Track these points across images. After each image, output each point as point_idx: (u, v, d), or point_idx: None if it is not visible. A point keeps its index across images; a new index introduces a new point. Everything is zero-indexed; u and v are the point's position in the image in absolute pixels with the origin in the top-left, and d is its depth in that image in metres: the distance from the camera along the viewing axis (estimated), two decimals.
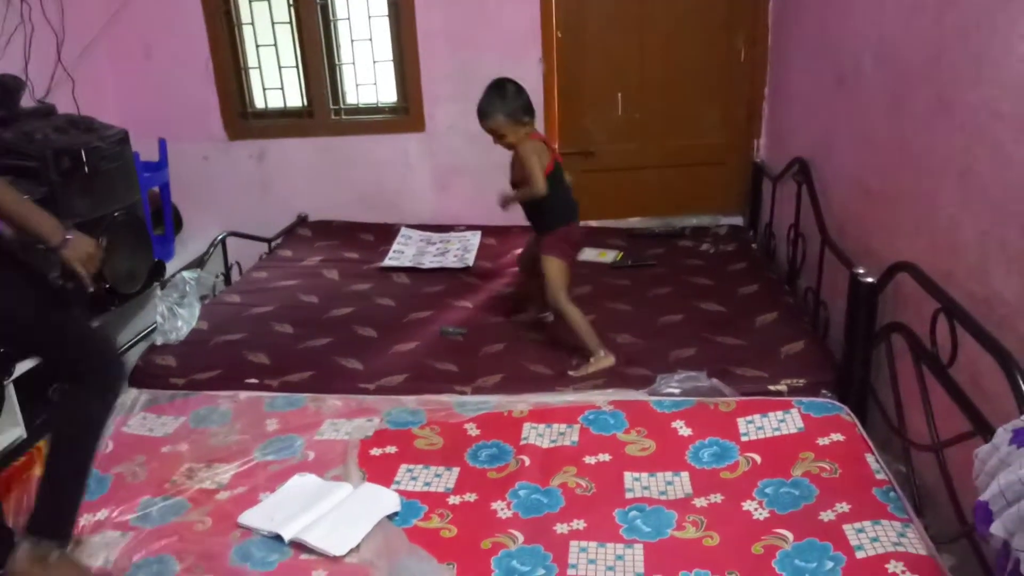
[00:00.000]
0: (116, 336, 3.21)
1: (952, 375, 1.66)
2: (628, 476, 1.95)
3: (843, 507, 1.75)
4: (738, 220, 3.89)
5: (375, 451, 2.08)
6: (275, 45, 3.91)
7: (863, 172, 2.38)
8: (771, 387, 2.31)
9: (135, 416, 2.28)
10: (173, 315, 2.78)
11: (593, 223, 3.93)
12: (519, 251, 3.61)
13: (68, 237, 1.72)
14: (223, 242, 3.46)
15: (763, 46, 3.61)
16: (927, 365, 1.78)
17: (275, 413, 2.27)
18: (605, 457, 2.03)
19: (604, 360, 2.49)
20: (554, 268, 2.56)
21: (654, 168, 3.90)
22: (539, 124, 3.78)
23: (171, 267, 3.63)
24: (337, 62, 3.93)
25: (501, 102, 2.49)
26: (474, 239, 3.74)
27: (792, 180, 3.00)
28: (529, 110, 2.52)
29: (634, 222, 3.93)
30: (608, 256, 3.53)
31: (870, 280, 2.09)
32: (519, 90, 2.52)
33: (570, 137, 3.84)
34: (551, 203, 2.56)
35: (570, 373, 2.47)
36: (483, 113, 2.51)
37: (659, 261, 3.42)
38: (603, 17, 3.68)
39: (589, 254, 3.56)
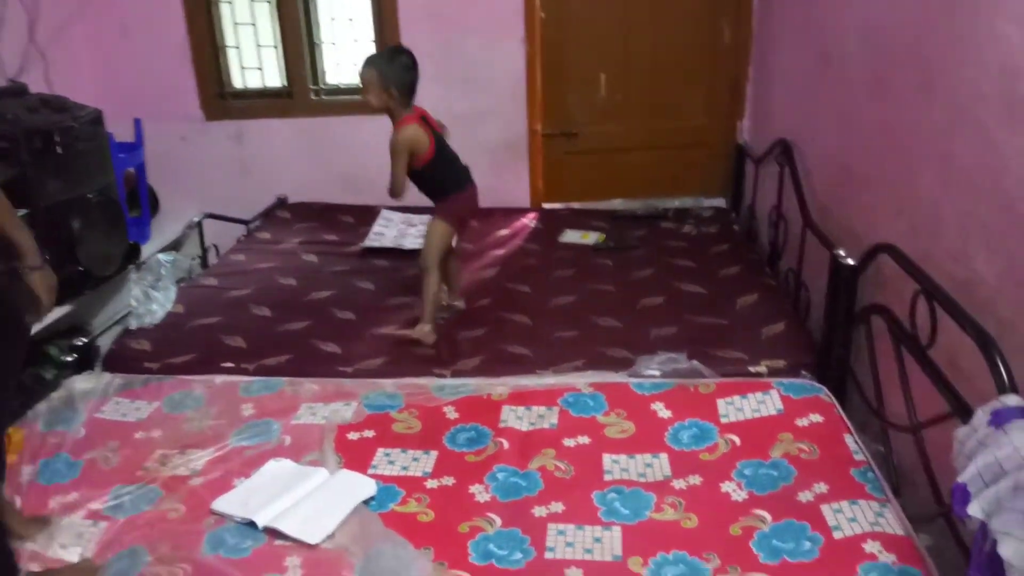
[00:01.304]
0: (91, 320, 3.17)
1: (931, 356, 1.65)
2: (607, 458, 1.94)
3: (821, 487, 1.75)
4: (721, 202, 3.87)
5: (352, 435, 2.06)
6: (253, 23, 3.84)
7: (845, 154, 2.36)
8: (751, 368, 2.30)
9: (108, 401, 2.24)
10: (148, 298, 2.74)
11: (576, 205, 3.92)
12: (503, 232, 3.60)
13: (47, 258, 1.70)
14: (200, 224, 3.41)
15: (747, 27, 3.58)
16: (906, 347, 1.77)
17: (251, 398, 2.24)
18: (584, 440, 2.01)
19: (427, 336, 2.52)
20: (439, 229, 2.61)
21: (637, 150, 3.87)
22: (522, 104, 3.79)
23: (147, 250, 3.57)
24: (317, 41, 3.87)
25: (385, 63, 2.51)
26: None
27: (775, 162, 2.98)
28: (406, 90, 2.53)
29: (617, 204, 3.90)
30: (590, 238, 3.50)
31: (851, 262, 2.08)
32: (409, 67, 2.54)
33: (553, 118, 3.81)
34: (440, 176, 2.62)
35: (389, 331, 2.54)
36: (366, 61, 2.52)
37: (641, 243, 3.40)
38: None
39: (571, 236, 3.54)
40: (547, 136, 3.83)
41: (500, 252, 3.38)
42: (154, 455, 2.00)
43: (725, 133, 3.81)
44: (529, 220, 3.75)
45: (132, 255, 3.30)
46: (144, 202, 3.72)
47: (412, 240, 3.48)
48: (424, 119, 2.61)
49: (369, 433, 2.07)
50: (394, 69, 2.49)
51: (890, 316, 1.85)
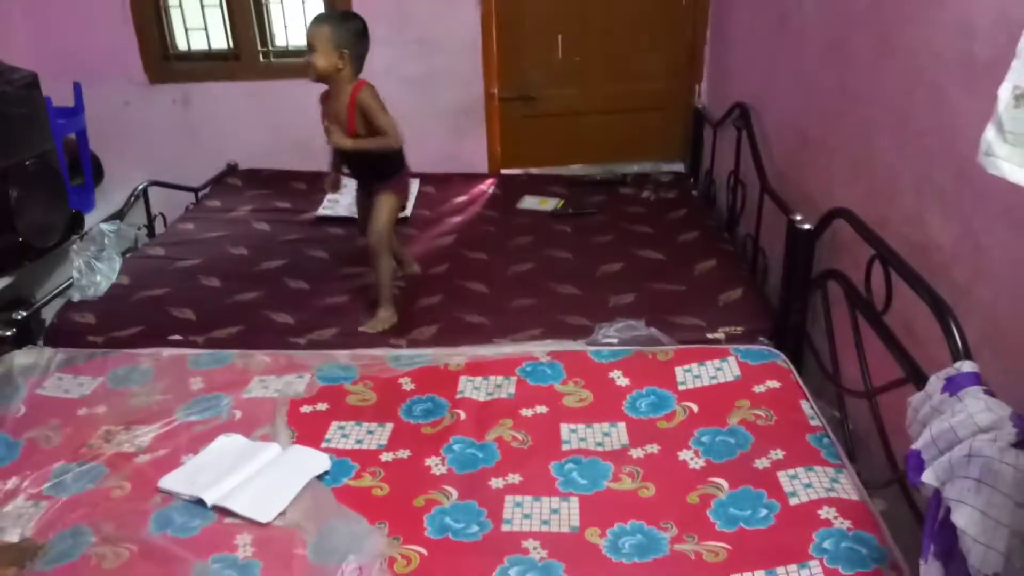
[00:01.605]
0: (33, 292, 3.05)
1: (886, 322, 1.65)
2: (564, 428, 1.92)
3: (777, 454, 1.75)
4: (680, 167, 3.85)
5: (305, 408, 2.01)
6: None
7: (802, 118, 2.34)
8: (709, 335, 2.30)
9: (50, 377, 2.16)
10: (91, 270, 2.64)
11: (534, 170, 3.87)
12: (460, 199, 3.53)
13: None
14: (145, 192, 3.29)
15: None
16: (862, 312, 1.77)
17: (200, 371, 2.18)
18: (542, 409, 1.99)
19: (390, 319, 2.46)
20: (392, 204, 2.52)
21: (595, 114, 3.82)
22: (477, 66, 3.70)
23: (92, 219, 3.44)
24: (264, 1, 3.73)
25: (338, 23, 2.36)
26: (412, 187, 3.63)
27: (732, 126, 2.96)
28: (358, 55, 2.40)
29: (575, 169, 3.86)
30: (549, 204, 3.46)
31: (807, 227, 2.07)
32: (363, 33, 2.42)
33: (509, 82, 3.74)
34: (398, 152, 2.51)
35: (361, 329, 2.42)
36: (316, 19, 2.37)
37: (600, 209, 3.37)
38: None
39: (529, 202, 3.49)
40: (504, 100, 3.76)
41: (457, 219, 3.33)
42: (98, 432, 1.93)
43: (683, 97, 3.77)
44: (487, 186, 3.69)
45: (75, 225, 3.18)
46: (87, 169, 3.58)
47: None
48: None
49: (323, 406, 2.02)
50: (348, 31, 2.35)
51: (846, 281, 1.85)
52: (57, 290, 2.61)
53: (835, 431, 1.87)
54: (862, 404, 1.80)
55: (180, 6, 3.73)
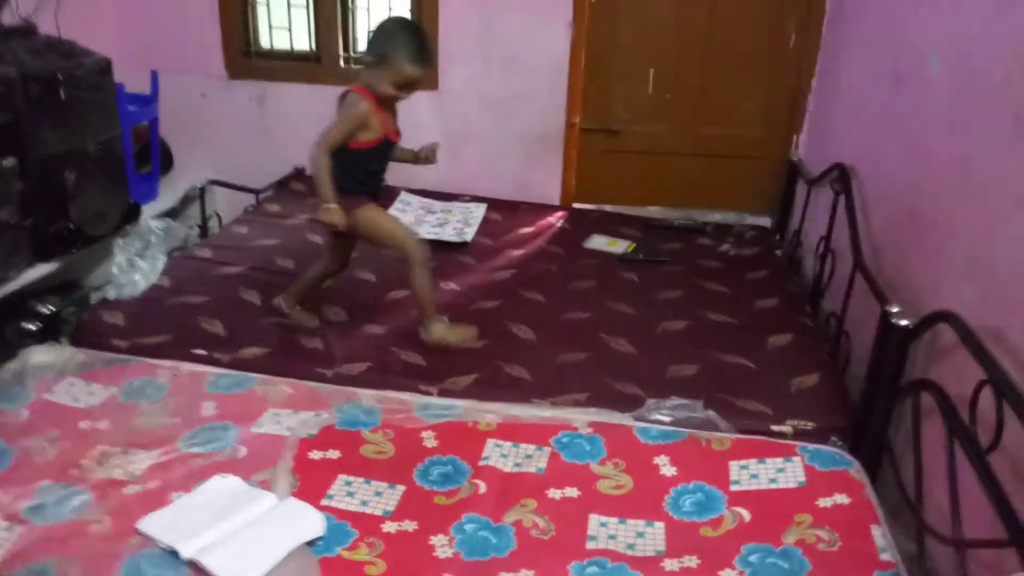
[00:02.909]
0: (80, 281, 2.99)
1: (991, 463, 1.37)
2: (594, 520, 1.69)
3: None
4: (766, 221, 3.57)
5: (315, 454, 1.84)
6: None
7: (912, 191, 2.06)
8: (774, 427, 2.03)
9: (63, 381, 2.05)
10: (132, 267, 2.55)
11: (607, 208, 3.66)
12: (526, 230, 3.34)
13: None
14: (202, 191, 3.20)
15: (816, 33, 3.25)
16: (960, 443, 1.49)
17: (216, 394, 2.03)
18: (572, 492, 1.77)
19: (450, 333, 2.34)
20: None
21: (680, 155, 3.58)
22: (561, 93, 3.51)
23: (153, 208, 3.39)
24: (351, 6, 3.63)
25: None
26: (478, 212, 3.47)
27: (830, 187, 2.67)
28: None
29: (652, 211, 3.62)
30: (619, 246, 3.24)
31: (905, 323, 1.79)
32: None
33: (593, 112, 3.53)
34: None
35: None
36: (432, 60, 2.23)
37: (673, 258, 3.12)
38: None
39: (598, 241, 3.28)
40: (585, 131, 3.55)
41: (519, 252, 3.14)
42: (94, 451, 1.80)
43: (778, 147, 3.49)
44: (556, 219, 3.49)
45: (131, 215, 3.11)
46: (155, 158, 3.53)
47: (428, 228, 3.24)
48: None
49: (334, 454, 1.84)
50: None
51: (944, 400, 1.57)
52: (94, 286, 2.53)
53: (910, 570, 1.58)
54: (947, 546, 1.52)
55: (267, 3, 3.66)
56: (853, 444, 1.97)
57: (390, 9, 3.58)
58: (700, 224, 3.48)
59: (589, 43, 3.41)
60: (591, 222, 3.47)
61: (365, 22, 3.65)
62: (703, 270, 3.02)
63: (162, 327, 2.33)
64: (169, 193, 3.58)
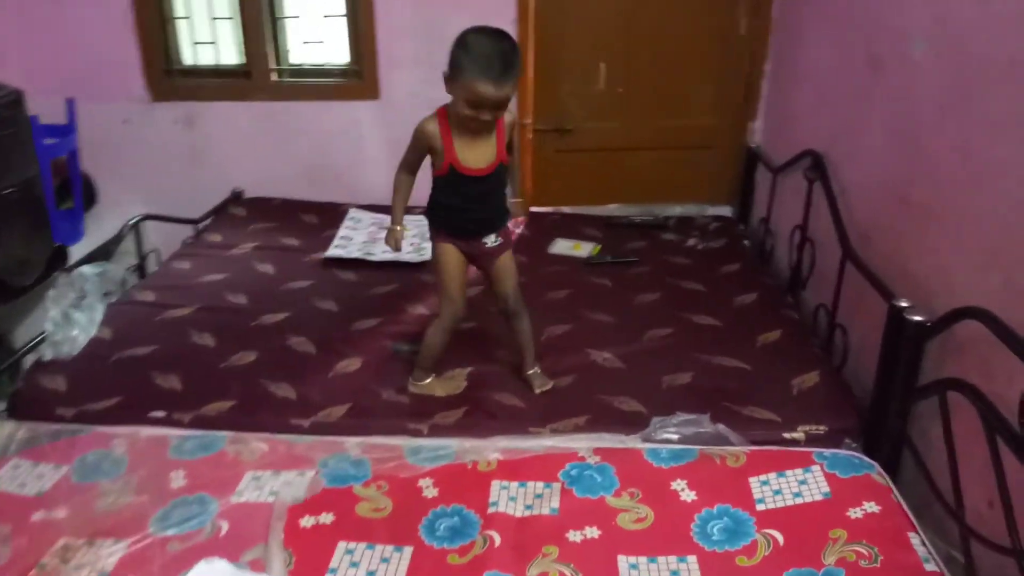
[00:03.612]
0: (7, 340, 2.73)
1: None
2: (623, 562, 1.57)
3: None
4: (726, 211, 3.50)
5: (307, 521, 1.66)
6: None
7: (903, 178, 1.99)
8: (786, 435, 1.94)
9: (5, 463, 1.82)
10: (68, 321, 2.30)
11: (566, 209, 3.54)
12: None
13: None
14: (136, 227, 2.94)
15: (766, 17, 3.19)
16: (1008, 446, 1.41)
17: (183, 461, 1.83)
18: (593, 532, 1.64)
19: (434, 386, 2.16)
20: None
21: (636, 150, 3.48)
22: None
23: (80, 249, 3.13)
24: (280, 15, 3.41)
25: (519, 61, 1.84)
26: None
27: (802, 176, 2.61)
28: None
29: (611, 209, 3.52)
30: (583, 249, 3.12)
31: (919, 319, 1.71)
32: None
33: (545, 112, 3.39)
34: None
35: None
36: (511, 74, 1.79)
37: (641, 257, 3.03)
38: None
39: (562, 246, 3.16)
40: (538, 131, 3.42)
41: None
42: (55, 546, 1.58)
43: (734, 135, 3.43)
44: (515, 225, 3.35)
45: (57, 260, 2.86)
46: (77, 194, 3.26)
47: (382, 249, 3.06)
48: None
49: (327, 518, 1.67)
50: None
51: (981, 399, 1.49)
52: (33, 342, 2.28)
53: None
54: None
55: (188, 17, 3.41)
56: (866, 444, 1.90)
57: (324, 17, 3.37)
58: (662, 219, 3.39)
59: (536, 40, 3.26)
60: (551, 225, 3.35)
61: (298, 32, 3.43)
62: (674, 268, 2.93)
63: (111, 388, 2.10)
64: (95, 231, 3.31)
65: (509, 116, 1.98)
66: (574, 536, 1.63)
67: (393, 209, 2.06)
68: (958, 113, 1.73)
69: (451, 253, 2.07)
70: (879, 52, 2.12)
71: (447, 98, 1.91)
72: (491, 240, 2.07)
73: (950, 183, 1.76)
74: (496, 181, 2.01)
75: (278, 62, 3.46)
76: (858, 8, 2.29)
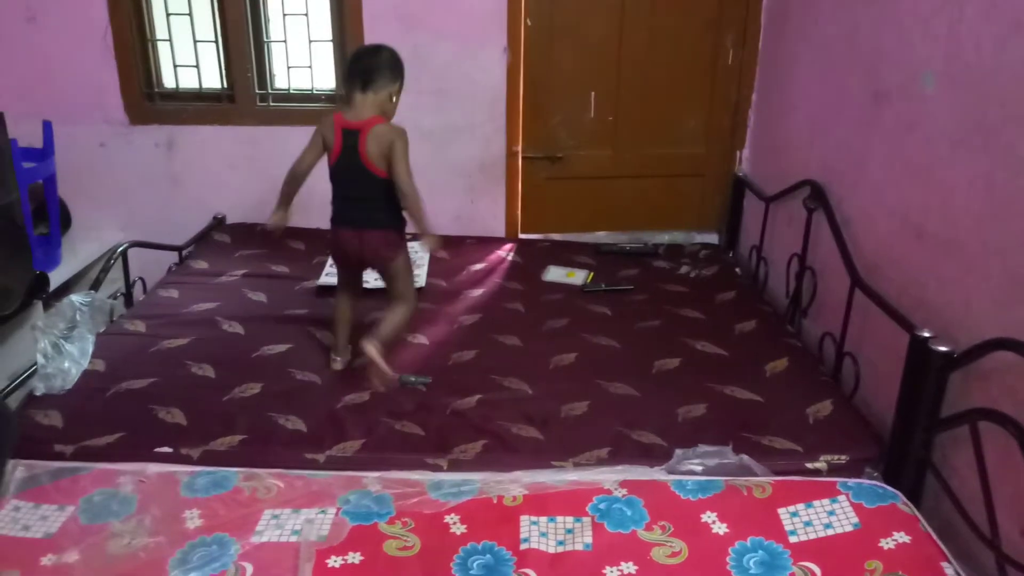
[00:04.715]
0: None
1: None
2: None
3: None
4: (712, 238, 3.55)
5: (334, 561, 1.60)
6: (190, 14, 3.30)
7: (914, 208, 2.02)
8: (808, 464, 1.95)
9: (5, 505, 1.72)
10: (59, 353, 2.20)
11: (555, 236, 3.54)
12: (478, 267, 3.18)
13: None
14: (124, 255, 2.84)
15: (753, 48, 3.25)
16: None
17: (196, 499, 1.75)
18: (630, 568, 1.61)
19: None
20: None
21: (625, 178, 3.50)
22: (500, 121, 3.36)
23: (57, 276, 3.01)
24: (265, 39, 3.36)
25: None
26: (423, 251, 3.26)
27: (800, 203, 2.64)
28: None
29: (601, 236, 3.53)
30: (577, 277, 3.12)
31: (945, 349, 1.73)
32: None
33: (535, 139, 3.40)
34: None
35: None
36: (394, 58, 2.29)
37: (636, 284, 3.03)
38: (579, 5, 3.25)
39: (556, 273, 3.15)
40: (528, 159, 3.42)
41: (478, 292, 2.96)
42: None
43: (721, 163, 3.47)
44: (506, 252, 3.34)
45: (38, 288, 2.73)
46: (54, 220, 3.14)
47: (374, 275, 3.00)
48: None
49: (355, 558, 1.61)
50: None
51: (1018, 428, 1.51)
52: (19, 378, 2.17)
53: None
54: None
55: (170, 39, 3.33)
56: (886, 473, 1.91)
57: (309, 41, 3.33)
58: (652, 247, 3.42)
59: (527, 68, 3.28)
60: (542, 252, 3.35)
61: (283, 56, 3.37)
62: (670, 296, 2.94)
63: (111, 423, 2.01)
64: (70, 258, 3.20)
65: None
66: (611, 573, 1.59)
67: (428, 218, 2.26)
68: (974, 146, 1.77)
69: None
70: (883, 85, 2.17)
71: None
72: None
73: (967, 215, 1.79)
74: None
75: (262, 86, 3.40)
76: (858, 42, 2.34)
